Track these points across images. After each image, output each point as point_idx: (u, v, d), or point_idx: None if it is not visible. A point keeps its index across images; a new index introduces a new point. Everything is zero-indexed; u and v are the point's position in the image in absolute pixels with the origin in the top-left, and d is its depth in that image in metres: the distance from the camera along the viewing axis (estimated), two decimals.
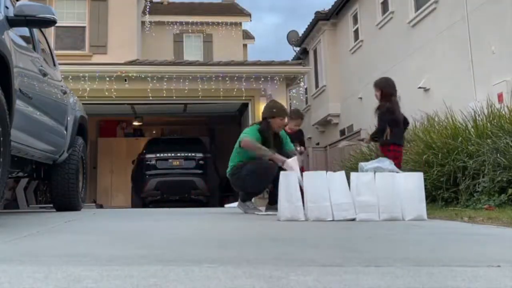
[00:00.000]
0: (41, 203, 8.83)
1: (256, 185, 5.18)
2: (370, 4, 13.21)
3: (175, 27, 17.23)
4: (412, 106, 9.99)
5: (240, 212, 5.35)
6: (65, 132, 5.23)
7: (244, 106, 12.48)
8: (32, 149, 4.29)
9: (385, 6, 12.49)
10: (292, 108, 6.76)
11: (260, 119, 5.70)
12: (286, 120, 5.57)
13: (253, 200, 5.81)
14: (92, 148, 12.10)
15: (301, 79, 12.82)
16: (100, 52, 12.99)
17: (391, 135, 5.25)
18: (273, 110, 5.39)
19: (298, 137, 6.80)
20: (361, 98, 13.41)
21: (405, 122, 5.66)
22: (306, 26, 16.92)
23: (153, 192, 11.29)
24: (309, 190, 3.98)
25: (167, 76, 11.10)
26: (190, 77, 11.17)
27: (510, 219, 3.62)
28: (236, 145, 5.36)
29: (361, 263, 1.73)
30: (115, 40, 13.14)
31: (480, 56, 8.48)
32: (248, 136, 5.15)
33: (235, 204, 8.45)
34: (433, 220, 4.13)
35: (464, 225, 3.66)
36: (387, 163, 4.55)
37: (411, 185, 4.07)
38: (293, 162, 4.81)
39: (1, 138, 3.04)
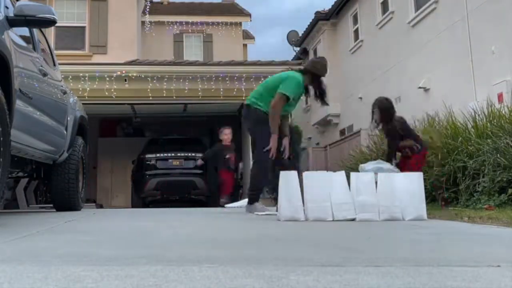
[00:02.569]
0: (41, 203, 8.83)
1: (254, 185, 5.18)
2: (370, 4, 13.21)
3: (175, 27, 17.23)
4: (412, 106, 10.00)
5: (239, 212, 5.35)
6: (65, 132, 5.23)
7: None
8: (32, 149, 4.29)
9: (385, 6, 12.49)
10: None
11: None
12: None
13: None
14: (92, 148, 12.09)
15: None
16: (100, 52, 12.98)
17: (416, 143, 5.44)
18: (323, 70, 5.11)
19: None
20: (361, 98, 13.41)
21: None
22: (306, 26, 16.93)
23: (153, 192, 11.28)
24: (309, 190, 3.98)
25: (167, 76, 11.09)
26: (190, 77, 11.17)
27: (510, 219, 3.62)
28: (269, 86, 5.08)
29: (361, 263, 1.73)
30: (115, 40, 13.14)
31: (480, 56, 8.47)
32: (289, 93, 4.83)
33: (236, 204, 8.46)
34: (433, 220, 4.13)
35: (464, 225, 3.67)
36: (387, 164, 4.56)
37: (411, 185, 4.07)
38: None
39: (1, 138, 3.04)
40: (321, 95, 5.18)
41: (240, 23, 18.06)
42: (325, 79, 5.19)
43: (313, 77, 5.07)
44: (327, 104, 5.36)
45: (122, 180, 14.42)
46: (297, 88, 4.93)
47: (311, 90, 5.18)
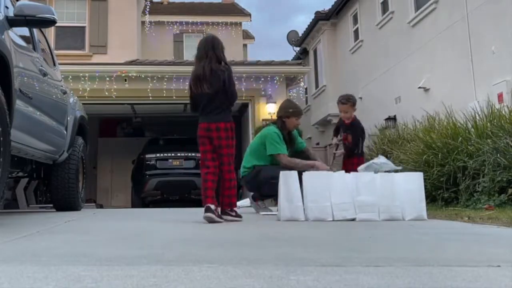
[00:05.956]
0: (41, 203, 8.81)
1: (273, 189, 5.14)
2: (370, 4, 13.21)
3: (175, 27, 17.24)
4: (412, 106, 10.00)
5: (239, 212, 5.35)
6: (65, 132, 5.23)
7: (244, 106, 12.48)
8: (32, 149, 4.29)
9: (385, 6, 12.49)
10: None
11: (275, 117, 5.65)
12: (299, 121, 5.45)
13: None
14: (92, 148, 12.08)
15: (301, 79, 12.83)
16: (100, 52, 12.99)
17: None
18: (289, 110, 5.35)
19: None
20: (361, 98, 13.41)
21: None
22: (306, 26, 16.94)
23: (153, 192, 11.28)
24: (309, 190, 3.98)
25: (167, 76, 11.10)
26: None
27: (510, 219, 3.62)
28: (254, 145, 5.40)
29: (361, 263, 1.73)
30: (115, 40, 13.14)
31: (480, 56, 8.47)
32: (279, 151, 5.11)
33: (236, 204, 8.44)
34: (433, 220, 4.13)
35: (464, 225, 3.66)
36: (382, 158, 4.57)
37: (411, 185, 4.07)
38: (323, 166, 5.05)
39: (1, 138, 3.04)
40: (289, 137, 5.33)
41: (240, 23, 18.06)
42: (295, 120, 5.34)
43: (278, 119, 5.36)
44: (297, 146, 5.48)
45: (122, 180, 14.42)
46: (277, 142, 5.15)
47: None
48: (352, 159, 5.63)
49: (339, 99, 5.89)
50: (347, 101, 5.79)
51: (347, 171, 4.37)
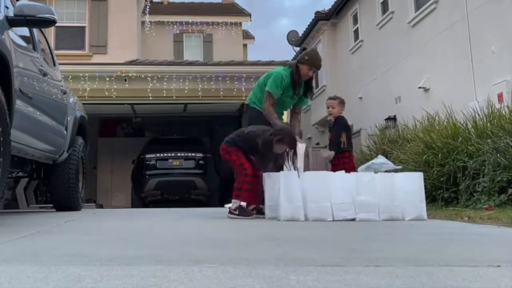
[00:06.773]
0: (41, 203, 8.82)
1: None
2: (370, 4, 13.21)
3: (175, 27, 17.26)
4: (412, 106, 10.00)
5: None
6: (65, 132, 5.23)
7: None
8: (32, 149, 4.29)
9: (385, 6, 12.49)
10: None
11: None
12: (312, 72, 4.92)
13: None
14: (92, 148, 12.09)
15: None
16: (100, 52, 13.00)
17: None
18: (305, 57, 4.99)
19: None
20: (361, 98, 13.41)
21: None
22: (307, 26, 16.94)
23: (153, 192, 11.29)
24: (309, 190, 3.98)
25: (167, 76, 11.10)
26: (190, 77, 11.17)
27: (510, 219, 3.62)
28: (259, 81, 5.11)
29: (361, 263, 1.73)
30: (115, 40, 13.15)
31: (480, 56, 8.47)
32: (272, 90, 4.79)
33: None
34: (433, 220, 4.13)
35: (464, 225, 3.66)
36: (381, 158, 4.57)
37: (411, 185, 4.07)
38: (301, 148, 4.52)
39: (1, 138, 3.04)
40: (306, 87, 5.03)
41: (240, 23, 18.08)
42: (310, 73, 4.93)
43: (296, 68, 4.93)
44: (306, 98, 5.17)
45: (122, 180, 14.42)
46: (277, 84, 4.82)
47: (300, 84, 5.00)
48: (343, 154, 5.78)
49: (329, 96, 6.21)
50: (336, 97, 6.15)
51: (347, 170, 4.37)
